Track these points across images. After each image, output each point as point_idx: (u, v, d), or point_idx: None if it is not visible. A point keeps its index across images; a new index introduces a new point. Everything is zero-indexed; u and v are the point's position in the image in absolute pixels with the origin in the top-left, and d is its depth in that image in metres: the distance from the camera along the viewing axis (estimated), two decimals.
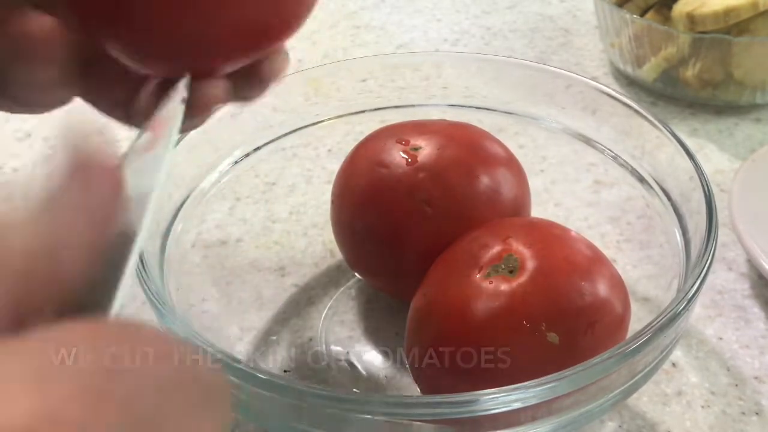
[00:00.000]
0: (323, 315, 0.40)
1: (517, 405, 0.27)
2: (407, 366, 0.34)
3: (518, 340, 0.29)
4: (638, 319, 0.35)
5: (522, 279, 0.30)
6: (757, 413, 0.36)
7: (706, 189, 0.33)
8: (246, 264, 0.42)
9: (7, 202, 0.14)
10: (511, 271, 0.31)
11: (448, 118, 0.42)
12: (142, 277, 0.31)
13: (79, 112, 0.27)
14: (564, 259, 0.31)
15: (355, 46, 0.64)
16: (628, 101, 0.39)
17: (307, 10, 0.26)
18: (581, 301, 0.30)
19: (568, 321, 0.29)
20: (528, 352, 0.29)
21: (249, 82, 0.27)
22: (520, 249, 0.32)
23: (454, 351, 0.31)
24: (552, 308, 0.30)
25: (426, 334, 0.32)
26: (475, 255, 0.32)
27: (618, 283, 0.32)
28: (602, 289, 0.31)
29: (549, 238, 0.33)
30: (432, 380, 0.32)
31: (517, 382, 0.27)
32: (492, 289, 0.30)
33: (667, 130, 0.36)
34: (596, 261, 0.32)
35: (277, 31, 0.25)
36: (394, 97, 0.43)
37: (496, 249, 0.32)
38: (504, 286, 0.30)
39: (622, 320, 0.31)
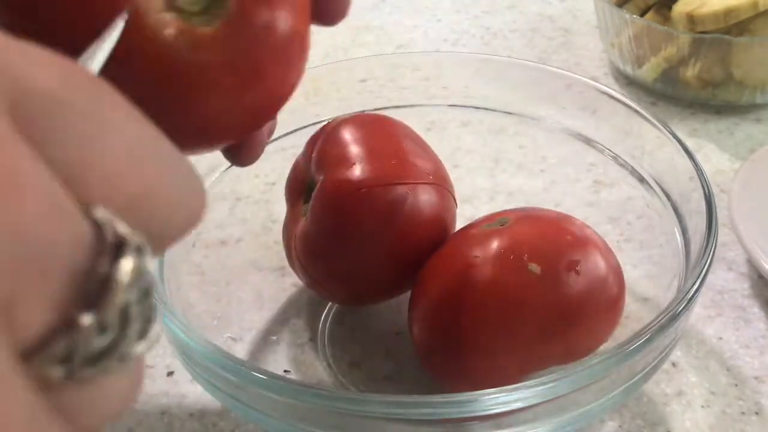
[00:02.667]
0: (323, 315, 0.40)
1: (517, 405, 0.27)
2: (407, 365, 0.34)
3: (505, 272, 0.31)
4: (638, 319, 0.35)
5: (511, 226, 0.33)
6: (757, 413, 0.36)
7: (706, 189, 0.33)
8: (246, 264, 0.42)
9: None
10: (502, 225, 0.34)
11: (448, 118, 0.42)
12: None
13: None
14: (553, 215, 0.35)
15: (355, 46, 0.64)
16: (628, 101, 0.39)
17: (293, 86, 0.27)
18: (562, 239, 0.32)
19: (548, 254, 0.31)
20: (513, 282, 0.31)
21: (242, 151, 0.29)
22: (513, 213, 0.35)
23: (453, 290, 0.32)
24: (533, 243, 0.32)
25: (429, 281, 0.34)
26: (472, 226, 0.35)
27: (604, 246, 0.33)
28: (586, 235, 0.33)
29: (541, 210, 0.36)
30: (432, 331, 0.33)
31: (508, 315, 0.30)
32: (485, 234, 0.33)
33: (667, 130, 0.37)
34: (585, 227, 0.34)
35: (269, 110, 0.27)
36: (394, 97, 0.43)
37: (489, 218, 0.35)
38: (495, 233, 0.33)
39: (614, 271, 0.33)
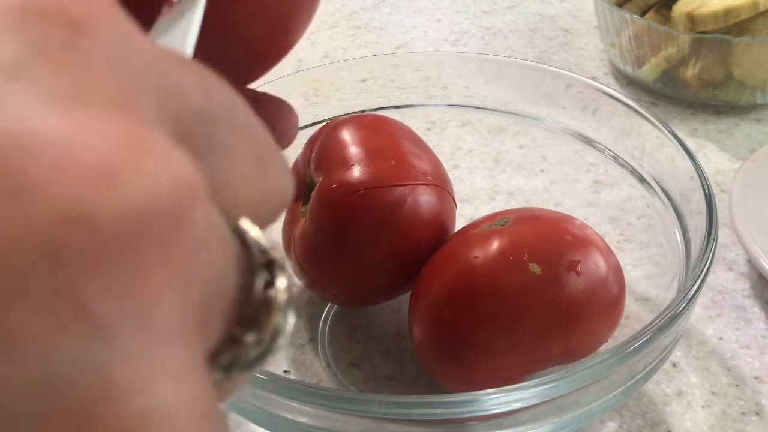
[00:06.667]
0: (323, 315, 0.40)
1: (517, 405, 0.27)
2: (407, 365, 0.34)
3: (505, 272, 0.31)
4: (638, 319, 0.35)
5: (511, 226, 0.33)
6: (757, 413, 0.36)
7: (706, 189, 0.33)
8: None
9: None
10: (502, 225, 0.33)
11: (448, 118, 0.42)
12: None
13: None
14: (553, 216, 0.35)
15: (355, 46, 0.64)
16: (628, 101, 0.39)
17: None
18: (562, 239, 0.32)
19: (548, 254, 0.32)
20: (513, 282, 0.31)
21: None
22: (513, 213, 0.35)
23: (453, 290, 0.32)
24: (533, 243, 0.32)
25: (429, 282, 0.34)
26: (472, 226, 0.35)
27: (604, 246, 0.33)
28: (586, 235, 0.33)
29: (540, 210, 0.36)
30: (432, 331, 0.33)
31: (508, 315, 0.30)
32: (485, 234, 0.33)
33: (667, 130, 0.36)
34: (585, 227, 0.34)
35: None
36: (394, 97, 0.43)
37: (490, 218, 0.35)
38: (495, 233, 0.33)
39: (614, 271, 0.33)
